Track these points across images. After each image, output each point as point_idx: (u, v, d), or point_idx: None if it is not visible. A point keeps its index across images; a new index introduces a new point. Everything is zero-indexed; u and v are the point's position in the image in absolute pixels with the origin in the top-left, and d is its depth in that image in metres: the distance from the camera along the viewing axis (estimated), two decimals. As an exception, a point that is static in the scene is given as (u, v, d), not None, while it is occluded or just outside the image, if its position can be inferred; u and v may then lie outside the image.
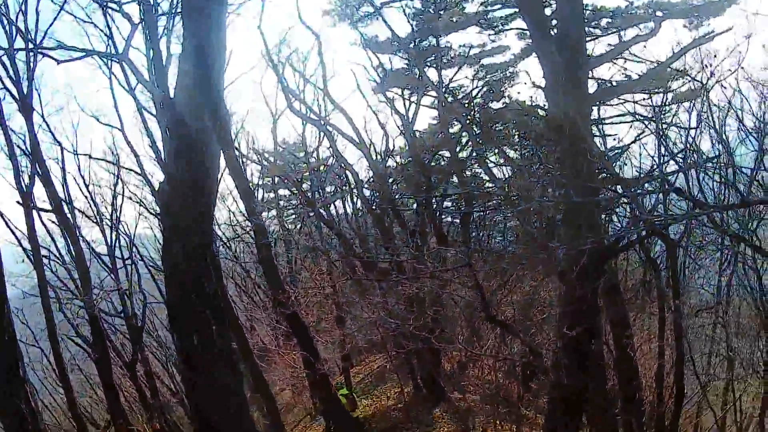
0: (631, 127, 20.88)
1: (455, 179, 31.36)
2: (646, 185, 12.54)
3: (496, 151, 29.35)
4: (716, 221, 11.28)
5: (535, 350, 13.66)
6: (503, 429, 21.97)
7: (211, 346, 8.39)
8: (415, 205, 31.49)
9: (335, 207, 34.40)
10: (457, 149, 30.55)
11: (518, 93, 28.26)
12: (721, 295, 20.06)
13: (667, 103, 18.63)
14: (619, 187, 15.59)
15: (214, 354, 8.42)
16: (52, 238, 27.80)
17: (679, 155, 11.14)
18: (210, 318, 8.43)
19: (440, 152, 31.82)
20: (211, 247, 9.04)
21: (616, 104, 21.00)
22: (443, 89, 28.62)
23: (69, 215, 26.34)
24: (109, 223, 29.62)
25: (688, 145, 10.94)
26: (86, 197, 29.68)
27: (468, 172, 32.50)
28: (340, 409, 21.19)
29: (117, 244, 29.77)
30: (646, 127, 17.04)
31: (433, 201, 29.45)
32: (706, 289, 21.53)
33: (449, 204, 33.82)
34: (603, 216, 18.52)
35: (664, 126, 16.14)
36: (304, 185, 31.24)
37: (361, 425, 22.74)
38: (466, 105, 28.85)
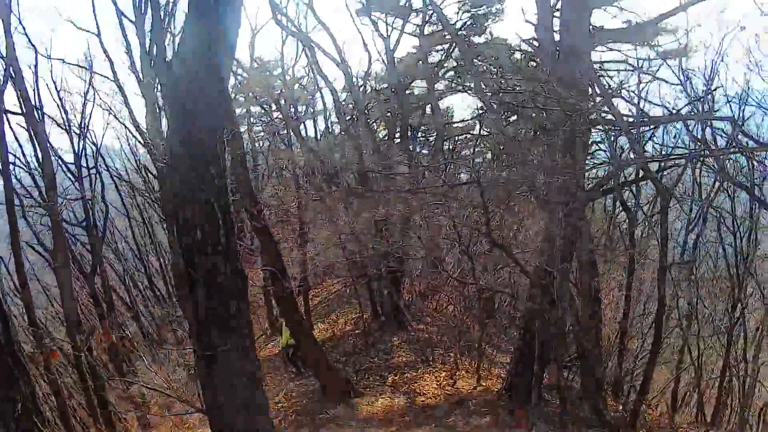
0: (612, 77, 20.75)
1: (429, 110, 31.12)
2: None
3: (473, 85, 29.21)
4: (721, 166, 11.18)
5: (534, 279, 13.58)
6: (462, 362, 22.01)
7: (216, 242, 8.00)
8: (385, 132, 31.39)
9: (305, 127, 34.01)
10: (434, 79, 30.38)
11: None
12: (694, 251, 20.08)
13: (653, 58, 18.40)
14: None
15: (217, 250, 8.03)
16: (19, 144, 27.04)
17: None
18: (216, 210, 8.00)
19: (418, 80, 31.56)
20: (222, 131, 8.56)
21: (603, 51, 20.70)
22: (427, 17, 28.24)
23: (39, 121, 25.54)
24: (77, 131, 28.84)
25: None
26: (56, 103, 28.93)
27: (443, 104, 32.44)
28: (302, 326, 21.02)
29: (83, 153, 29.11)
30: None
31: (408, 130, 29.18)
32: (678, 243, 21.52)
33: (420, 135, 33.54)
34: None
35: (650, 77, 15.99)
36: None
37: (320, 346, 22.61)
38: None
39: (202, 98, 7.92)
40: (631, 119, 13.69)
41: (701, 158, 11.41)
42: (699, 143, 10.98)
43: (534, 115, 17.84)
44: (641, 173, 16.93)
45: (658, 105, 11.67)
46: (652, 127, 12.49)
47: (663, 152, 15.25)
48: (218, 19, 7.97)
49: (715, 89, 10.98)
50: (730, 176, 12.47)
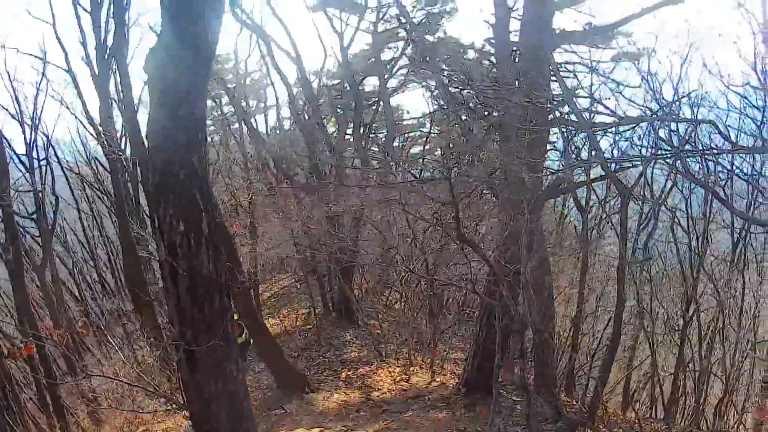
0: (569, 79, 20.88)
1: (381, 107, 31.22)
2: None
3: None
4: (686, 167, 11.39)
5: (499, 274, 13.68)
6: (415, 358, 22.11)
7: (199, 232, 7.95)
8: (336, 127, 31.44)
9: (256, 122, 33.89)
10: (386, 77, 30.48)
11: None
12: (645, 250, 20.38)
13: (609, 60, 18.62)
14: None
15: (200, 242, 7.98)
16: (-31, 134, 26.51)
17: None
18: (198, 200, 7.94)
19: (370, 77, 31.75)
20: (204, 117, 8.50)
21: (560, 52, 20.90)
22: (381, 15, 28.36)
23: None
24: (29, 122, 28.37)
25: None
26: (10, 93, 28.54)
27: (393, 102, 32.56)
28: (257, 321, 20.88)
29: (34, 145, 28.69)
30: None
31: (361, 126, 29.21)
32: (630, 242, 21.80)
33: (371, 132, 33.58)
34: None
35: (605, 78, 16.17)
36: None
37: (275, 341, 22.46)
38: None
39: (183, 85, 7.86)
40: (592, 119, 13.93)
41: (673, 159, 11.56)
42: (668, 145, 11.17)
43: (487, 113, 18.04)
44: (593, 174, 17.27)
45: (609, 110, 11.76)
46: (620, 129, 12.66)
47: (615, 155, 15.51)
48: (200, 11, 7.96)
49: (686, 95, 11.16)
50: (695, 177, 12.69)
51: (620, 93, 11.62)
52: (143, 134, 22.76)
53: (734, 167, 14.48)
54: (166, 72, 7.86)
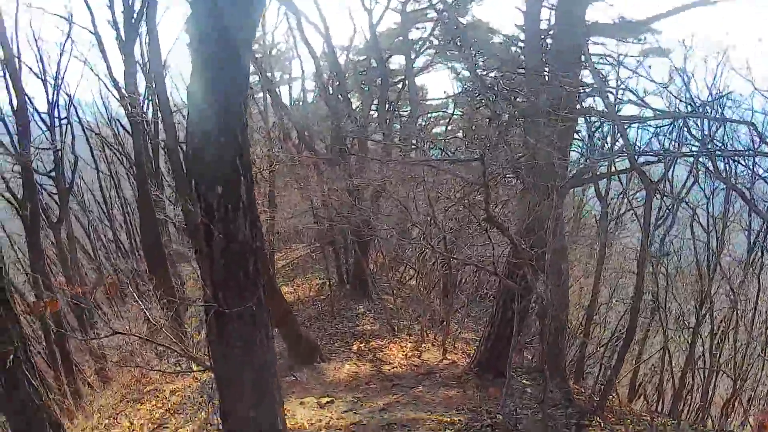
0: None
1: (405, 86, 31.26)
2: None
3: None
4: (716, 165, 11.45)
5: (524, 258, 13.71)
6: (427, 335, 22.26)
7: (237, 197, 7.99)
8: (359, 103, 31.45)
9: (279, 93, 33.93)
10: (413, 56, 30.50)
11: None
12: (662, 245, 20.37)
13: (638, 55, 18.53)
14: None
15: (238, 206, 8.02)
16: (-7, 90, 26.60)
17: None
18: (239, 165, 7.98)
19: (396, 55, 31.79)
20: (246, 83, 8.56)
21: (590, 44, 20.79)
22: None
23: (17, 68, 25.12)
24: (52, 81, 28.47)
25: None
26: (34, 52, 28.72)
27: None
28: (274, 287, 21.02)
29: (56, 104, 28.79)
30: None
31: (386, 103, 29.25)
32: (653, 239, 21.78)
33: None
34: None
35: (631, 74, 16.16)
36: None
37: (290, 309, 22.61)
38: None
39: (226, 49, 7.86)
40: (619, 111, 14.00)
41: (698, 155, 11.59)
42: (699, 142, 11.26)
43: (515, 98, 18.05)
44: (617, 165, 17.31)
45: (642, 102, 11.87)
46: (648, 123, 12.72)
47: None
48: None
49: (722, 95, 11.21)
50: (721, 175, 12.75)
51: (665, 88, 11.62)
52: (170, 97, 22.84)
53: (758, 169, 14.47)
54: (208, 36, 7.87)
